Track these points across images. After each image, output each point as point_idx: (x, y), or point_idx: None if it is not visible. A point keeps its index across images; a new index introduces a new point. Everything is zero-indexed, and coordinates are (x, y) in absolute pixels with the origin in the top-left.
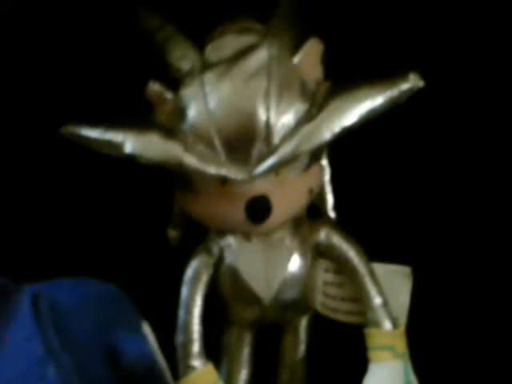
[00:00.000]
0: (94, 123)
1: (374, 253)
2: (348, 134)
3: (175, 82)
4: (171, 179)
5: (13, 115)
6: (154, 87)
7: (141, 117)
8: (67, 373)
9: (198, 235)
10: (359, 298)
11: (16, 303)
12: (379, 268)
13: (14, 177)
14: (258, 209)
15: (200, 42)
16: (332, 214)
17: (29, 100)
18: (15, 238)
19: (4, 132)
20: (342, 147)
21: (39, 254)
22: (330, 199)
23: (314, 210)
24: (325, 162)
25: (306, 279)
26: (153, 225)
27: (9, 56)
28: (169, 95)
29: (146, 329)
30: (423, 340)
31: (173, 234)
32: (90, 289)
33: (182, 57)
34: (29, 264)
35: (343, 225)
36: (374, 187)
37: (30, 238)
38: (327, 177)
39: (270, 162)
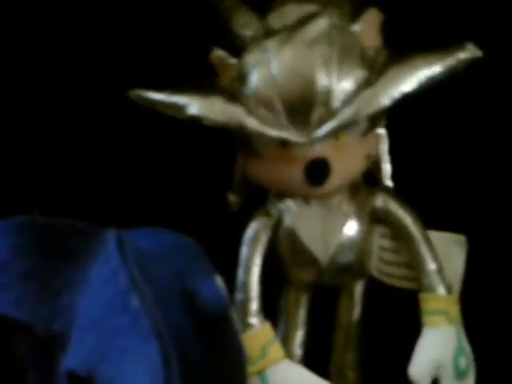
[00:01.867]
0: (159, 87)
1: (430, 221)
2: (406, 103)
3: (237, 51)
4: (233, 146)
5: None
6: (218, 53)
7: (205, 81)
8: (150, 304)
9: (257, 201)
10: (414, 263)
11: (102, 242)
12: (434, 236)
13: (88, 139)
14: (317, 171)
15: (262, 12)
16: (389, 183)
17: (99, 69)
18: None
19: (78, 98)
20: (400, 118)
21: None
22: (387, 168)
23: (371, 180)
24: (383, 131)
25: (361, 244)
26: (215, 189)
27: (74, 30)
28: (232, 61)
29: (219, 280)
30: (477, 309)
31: (233, 198)
32: (166, 237)
33: (245, 25)
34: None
35: (399, 193)
36: (430, 157)
37: (96, 199)
38: (385, 146)
39: (329, 125)
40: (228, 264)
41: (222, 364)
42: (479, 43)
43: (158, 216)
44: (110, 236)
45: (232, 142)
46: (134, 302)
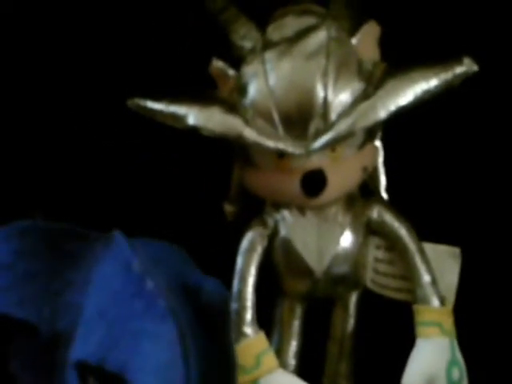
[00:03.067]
0: (158, 96)
1: (424, 233)
2: (402, 116)
3: (236, 61)
4: (230, 156)
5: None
6: (218, 64)
7: (204, 92)
8: (162, 288)
9: (253, 212)
10: (409, 275)
11: (104, 245)
12: (429, 248)
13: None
14: (314, 182)
15: (261, 24)
16: (384, 195)
17: (98, 77)
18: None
19: (78, 99)
20: (396, 131)
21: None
22: (382, 180)
23: (367, 192)
24: (379, 143)
25: (357, 255)
26: (211, 200)
27: (72, 34)
28: (231, 72)
29: None
30: (471, 321)
31: (229, 209)
32: (159, 244)
33: (245, 36)
34: None
35: (395, 206)
36: (425, 169)
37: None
38: (381, 158)
39: (326, 137)
40: (223, 273)
41: (223, 351)
42: (476, 57)
43: (155, 223)
44: (118, 234)
45: (229, 152)
46: (149, 285)
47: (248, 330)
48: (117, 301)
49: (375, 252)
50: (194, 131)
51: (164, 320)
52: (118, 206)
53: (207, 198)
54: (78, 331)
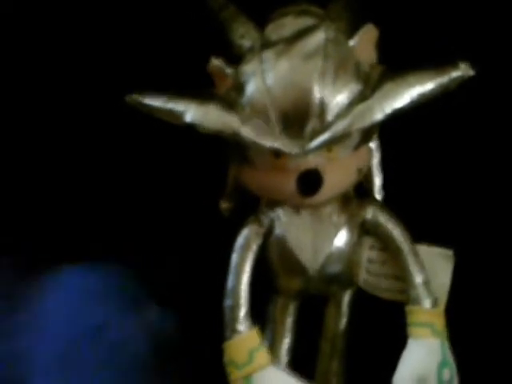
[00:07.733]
0: (156, 93)
1: (418, 235)
2: (398, 118)
3: (234, 60)
4: (226, 154)
5: (81, 89)
6: (216, 62)
7: (201, 89)
8: (128, 336)
9: (249, 208)
10: (401, 276)
11: (55, 279)
12: (422, 249)
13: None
14: (309, 182)
15: (260, 24)
16: (379, 196)
17: (98, 73)
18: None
19: (72, 106)
20: (392, 132)
21: (94, 221)
22: (377, 181)
23: (362, 193)
24: (375, 145)
25: (350, 255)
26: (207, 197)
27: (77, 32)
28: (229, 70)
29: None
30: (463, 322)
31: (225, 206)
32: (112, 271)
33: (244, 35)
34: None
35: (389, 206)
36: (420, 170)
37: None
38: (376, 160)
39: (323, 137)
40: (218, 270)
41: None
42: (473, 60)
43: (151, 222)
44: (66, 274)
45: (225, 149)
46: (113, 334)
47: (241, 326)
48: (76, 348)
49: (369, 252)
50: (191, 128)
51: (130, 371)
52: (113, 208)
53: (203, 194)
54: (35, 378)
